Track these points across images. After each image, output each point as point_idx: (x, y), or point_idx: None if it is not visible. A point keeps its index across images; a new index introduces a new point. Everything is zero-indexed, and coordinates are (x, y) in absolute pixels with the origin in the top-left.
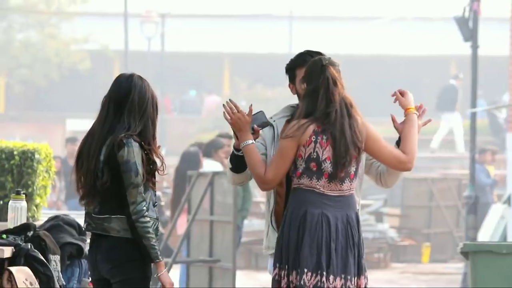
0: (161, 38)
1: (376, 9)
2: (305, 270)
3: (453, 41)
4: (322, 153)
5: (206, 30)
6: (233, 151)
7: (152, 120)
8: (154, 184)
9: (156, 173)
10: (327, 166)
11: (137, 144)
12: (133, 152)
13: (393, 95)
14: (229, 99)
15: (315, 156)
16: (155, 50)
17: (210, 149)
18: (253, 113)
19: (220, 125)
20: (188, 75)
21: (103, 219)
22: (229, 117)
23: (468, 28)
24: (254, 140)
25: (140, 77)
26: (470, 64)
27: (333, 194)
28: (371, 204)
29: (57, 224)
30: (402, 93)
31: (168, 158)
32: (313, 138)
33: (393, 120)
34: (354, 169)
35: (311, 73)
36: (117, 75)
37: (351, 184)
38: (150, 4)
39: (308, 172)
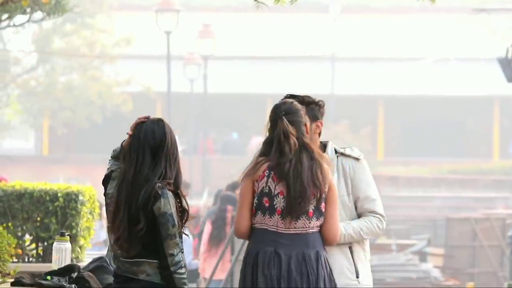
0: (204, 80)
1: (419, 50)
2: None
3: (496, 81)
4: (275, 187)
5: (248, 72)
6: None
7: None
8: (182, 232)
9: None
10: (280, 201)
11: (171, 194)
12: (169, 203)
13: None
14: None
15: (267, 191)
16: (197, 91)
17: None
18: None
19: None
20: (230, 117)
21: (132, 262)
22: None
23: (511, 68)
24: None
25: (167, 123)
26: None
27: (287, 232)
28: (415, 244)
29: (101, 265)
30: None
31: (210, 198)
32: (266, 172)
33: None
34: (313, 207)
35: (271, 122)
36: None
37: (309, 222)
38: (192, 47)
39: (262, 208)
